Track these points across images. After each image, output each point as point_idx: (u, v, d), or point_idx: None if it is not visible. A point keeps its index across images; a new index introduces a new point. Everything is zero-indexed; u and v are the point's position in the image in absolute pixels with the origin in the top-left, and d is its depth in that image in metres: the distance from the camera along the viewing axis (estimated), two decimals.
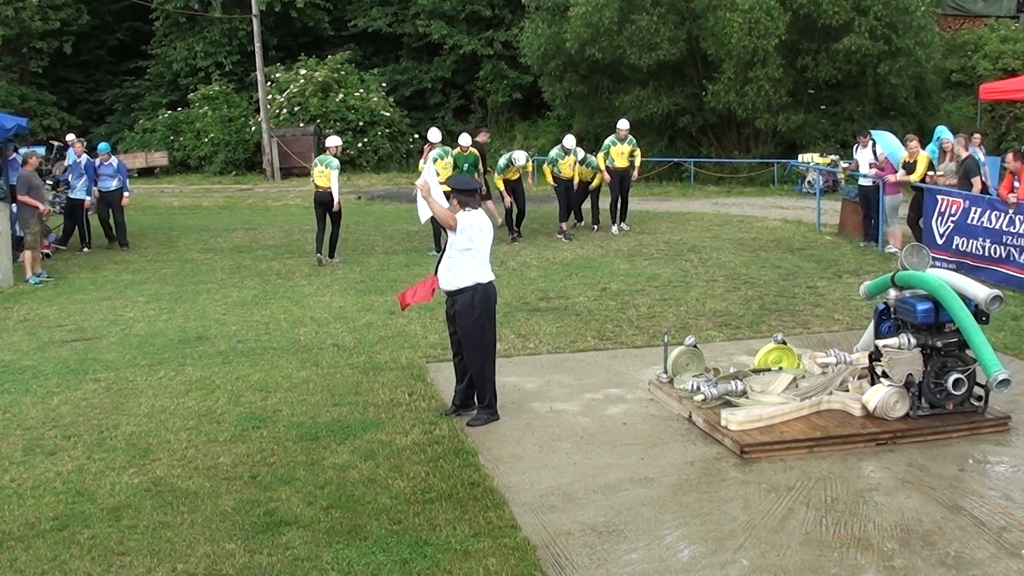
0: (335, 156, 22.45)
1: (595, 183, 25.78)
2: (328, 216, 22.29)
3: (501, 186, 24.63)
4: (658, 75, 39.56)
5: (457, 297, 10.86)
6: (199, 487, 9.31)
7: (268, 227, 28.03)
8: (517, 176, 24.63)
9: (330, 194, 22.01)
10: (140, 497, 9.11)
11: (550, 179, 25.33)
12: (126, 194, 25.57)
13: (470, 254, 10.75)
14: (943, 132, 22.00)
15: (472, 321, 10.81)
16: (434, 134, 24.30)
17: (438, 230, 23.05)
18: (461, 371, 11.31)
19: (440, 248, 23.45)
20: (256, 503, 8.89)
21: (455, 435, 10.61)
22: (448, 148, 23.95)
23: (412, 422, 11.04)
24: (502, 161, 24.69)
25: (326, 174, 22.08)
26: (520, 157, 24.55)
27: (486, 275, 10.90)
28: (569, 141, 25.40)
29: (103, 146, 25.96)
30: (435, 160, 22.30)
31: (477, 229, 10.76)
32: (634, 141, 26.04)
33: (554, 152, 25.46)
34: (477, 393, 11.19)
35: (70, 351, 14.60)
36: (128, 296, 18.69)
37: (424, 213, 11.37)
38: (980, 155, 22.23)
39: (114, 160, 25.57)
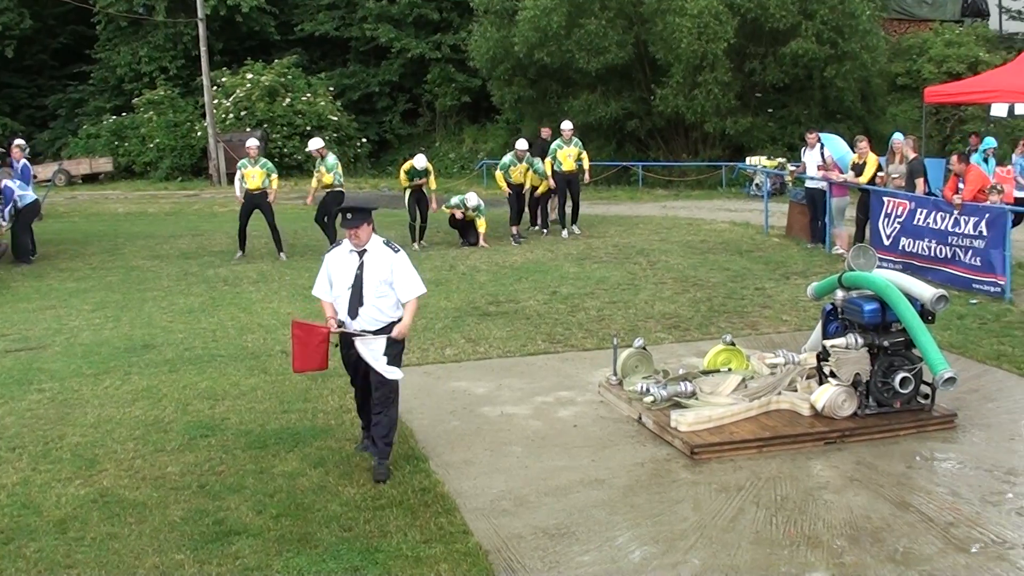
0: (254, 158, 23.27)
1: (541, 189, 25.74)
2: (262, 213, 23.13)
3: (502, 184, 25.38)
4: (606, 79, 39.59)
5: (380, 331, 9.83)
6: (147, 497, 9.24)
7: (215, 233, 27.83)
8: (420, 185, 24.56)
9: (264, 194, 23.01)
10: (87, 509, 9.03)
11: (503, 185, 25.25)
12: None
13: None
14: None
15: (396, 355, 9.94)
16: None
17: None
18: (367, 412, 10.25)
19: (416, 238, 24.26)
20: (205, 512, 8.84)
21: (405, 441, 10.57)
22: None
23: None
24: (454, 200, 24.71)
25: (260, 174, 22.91)
26: (472, 199, 24.59)
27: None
28: (521, 144, 25.48)
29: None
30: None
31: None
32: (579, 143, 26.03)
33: (506, 159, 25.42)
34: (379, 438, 9.92)
35: (13, 361, 14.43)
36: (73, 304, 18.51)
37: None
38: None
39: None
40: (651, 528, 8.37)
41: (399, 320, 9.85)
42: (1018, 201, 20.65)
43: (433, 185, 24.63)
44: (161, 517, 8.76)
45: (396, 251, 9.91)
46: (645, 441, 10.52)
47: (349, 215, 9.69)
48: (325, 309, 10.01)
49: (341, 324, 9.82)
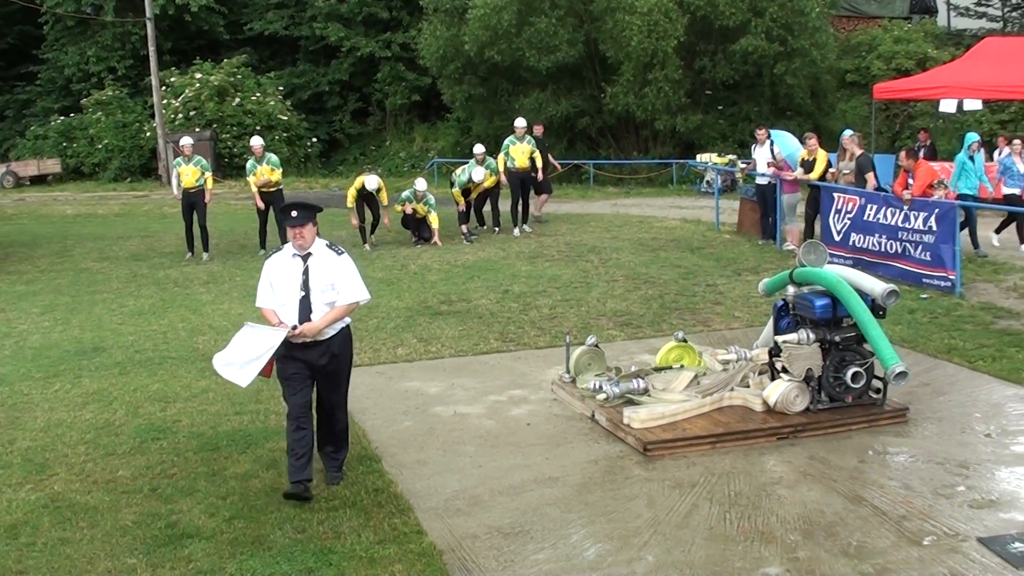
0: (188, 156, 23.47)
1: (489, 183, 25.70)
2: (195, 213, 23.30)
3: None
4: (557, 78, 39.63)
5: (332, 340, 9.42)
6: (98, 501, 9.16)
7: (165, 234, 27.71)
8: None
9: (200, 192, 23.20)
10: (38, 514, 8.95)
11: (461, 201, 25.18)
12: None
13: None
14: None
15: (348, 361, 9.72)
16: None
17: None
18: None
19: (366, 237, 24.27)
20: (157, 516, 8.78)
21: (358, 442, 10.53)
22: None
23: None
24: (404, 194, 24.71)
25: (195, 172, 23.14)
26: (420, 183, 24.62)
27: None
28: (478, 149, 25.74)
29: None
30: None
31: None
32: (532, 141, 26.09)
33: (464, 175, 25.22)
34: (340, 444, 9.81)
35: None
36: (21, 308, 18.37)
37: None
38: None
39: None
40: (605, 525, 8.37)
41: (346, 329, 9.54)
42: (1008, 199, 20.63)
43: (385, 201, 24.53)
44: (113, 521, 8.69)
45: (340, 254, 9.46)
46: (598, 438, 10.52)
47: (294, 213, 9.20)
48: (269, 318, 9.37)
49: (295, 328, 9.21)
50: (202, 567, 7.79)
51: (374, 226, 24.69)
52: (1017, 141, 21.91)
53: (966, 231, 19.81)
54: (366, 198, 24.27)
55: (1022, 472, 9.31)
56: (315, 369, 9.37)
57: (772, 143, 22.59)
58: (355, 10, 49.87)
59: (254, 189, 23.60)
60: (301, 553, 7.98)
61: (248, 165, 23.98)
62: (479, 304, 17.26)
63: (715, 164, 33.65)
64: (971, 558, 7.59)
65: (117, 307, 18.12)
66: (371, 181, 23.97)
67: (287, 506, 8.89)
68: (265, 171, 23.46)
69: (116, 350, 14.91)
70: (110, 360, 14.33)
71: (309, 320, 9.17)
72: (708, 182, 35.12)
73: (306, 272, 9.24)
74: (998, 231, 21.19)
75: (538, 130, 27.51)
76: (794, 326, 11.01)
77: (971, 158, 21.00)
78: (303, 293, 9.21)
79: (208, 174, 23.31)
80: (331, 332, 9.34)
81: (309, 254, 9.28)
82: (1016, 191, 20.75)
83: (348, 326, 9.56)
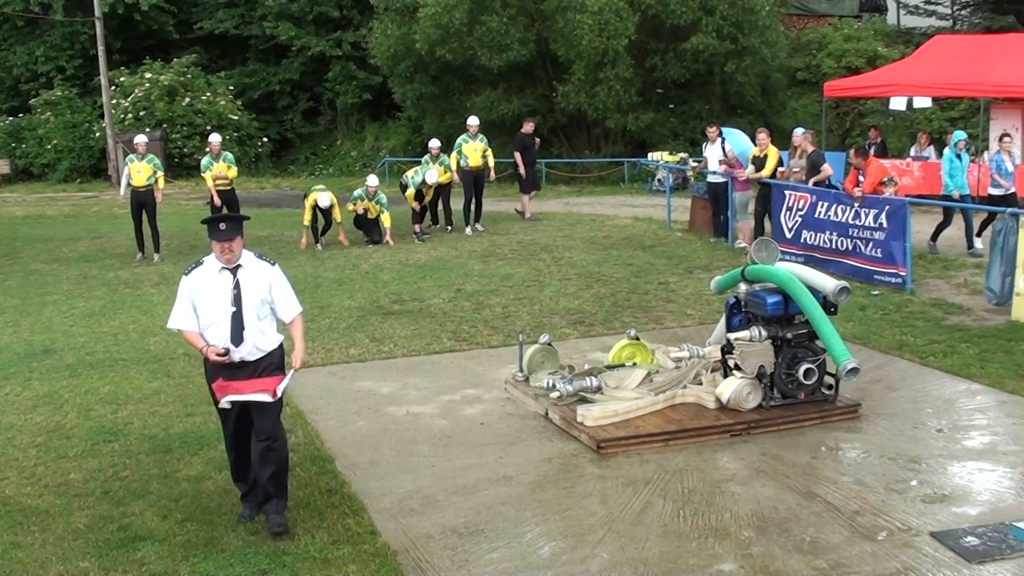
0: (142, 154, 23.35)
1: (444, 179, 25.69)
2: (145, 213, 23.20)
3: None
4: (509, 76, 39.61)
5: (264, 361, 8.65)
6: (50, 505, 9.09)
7: (115, 235, 27.51)
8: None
9: (150, 191, 23.11)
10: None
11: (415, 204, 25.11)
12: None
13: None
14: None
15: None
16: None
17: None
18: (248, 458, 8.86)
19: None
20: (109, 519, 8.72)
21: (311, 442, 10.52)
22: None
23: None
24: (356, 192, 24.67)
25: (147, 170, 23.02)
26: (372, 179, 24.61)
27: None
28: (434, 143, 25.90)
29: None
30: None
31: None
32: (485, 139, 26.13)
33: (416, 177, 25.15)
34: (279, 487, 8.68)
35: None
36: None
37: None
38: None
39: None
40: (560, 523, 8.37)
41: (280, 346, 8.82)
42: (992, 199, 20.61)
43: (338, 218, 24.43)
44: (65, 524, 8.63)
45: (272, 264, 8.76)
46: (552, 437, 10.53)
47: (222, 226, 8.40)
48: (193, 342, 8.60)
49: (226, 352, 8.47)
50: (155, 570, 7.75)
51: (326, 229, 24.59)
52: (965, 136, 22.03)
53: (962, 230, 20.09)
54: (321, 212, 24.23)
55: (974, 467, 9.40)
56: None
57: (724, 141, 22.67)
58: (305, 9, 49.61)
59: (210, 184, 23.64)
60: (255, 555, 7.95)
61: (204, 162, 24.05)
62: (432, 303, 17.23)
63: (666, 162, 33.74)
64: (924, 552, 7.65)
65: (67, 309, 17.99)
66: (323, 199, 23.90)
67: (240, 508, 8.84)
68: (222, 168, 23.64)
69: (67, 352, 14.80)
70: (61, 362, 14.21)
71: (241, 338, 8.46)
72: (660, 180, 35.19)
73: (237, 286, 8.49)
74: (979, 233, 21.15)
75: (528, 127, 27.38)
76: (746, 323, 11.06)
77: (958, 156, 21.03)
78: (234, 309, 8.46)
79: (160, 173, 23.21)
80: (260, 352, 8.59)
81: (239, 266, 8.53)
82: (999, 192, 20.64)
83: (281, 344, 8.83)
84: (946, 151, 21.93)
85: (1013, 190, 20.66)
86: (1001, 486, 8.96)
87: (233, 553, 7.99)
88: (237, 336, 8.47)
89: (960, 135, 21.97)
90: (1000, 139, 21.71)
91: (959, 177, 21.20)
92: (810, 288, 10.66)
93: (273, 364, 8.71)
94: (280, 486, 8.59)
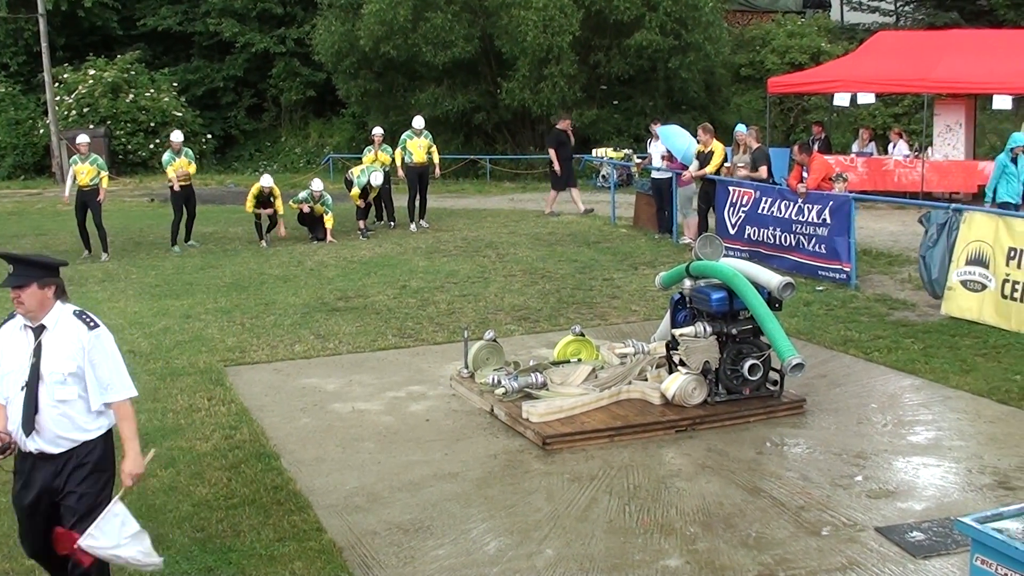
0: (85, 154, 23.23)
1: (384, 161, 25.80)
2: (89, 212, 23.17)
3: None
4: (453, 73, 39.56)
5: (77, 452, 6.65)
6: None
7: (59, 232, 27.24)
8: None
9: (95, 191, 23.01)
10: None
11: (360, 203, 25.01)
12: None
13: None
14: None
15: (102, 484, 6.86)
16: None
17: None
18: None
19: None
20: None
21: (256, 439, 10.45)
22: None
23: (212, 427, 10.85)
24: (302, 194, 24.62)
25: (91, 171, 22.92)
26: (316, 184, 24.58)
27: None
28: (377, 131, 26.62)
29: None
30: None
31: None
32: (430, 136, 26.16)
33: (362, 177, 25.06)
34: None
35: None
36: None
37: None
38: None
39: None
40: (505, 520, 8.36)
41: (102, 439, 6.79)
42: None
43: (281, 210, 24.35)
44: (10, 523, 8.50)
45: (93, 327, 6.69)
46: (498, 433, 10.52)
47: (11, 269, 6.67)
48: None
49: (7, 448, 6.57)
50: None
51: (271, 227, 24.47)
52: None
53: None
54: (263, 204, 24.11)
55: (918, 462, 9.44)
56: (52, 494, 6.68)
57: (652, 143, 22.89)
58: (249, 6, 49.36)
59: (172, 176, 23.62)
60: (200, 552, 7.90)
61: (165, 158, 24.22)
62: (376, 300, 17.18)
63: (611, 159, 33.77)
64: (869, 547, 7.68)
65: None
66: (265, 179, 24.01)
67: (186, 505, 8.80)
68: (183, 164, 23.68)
69: None
70: None
71: (32, 424, 6.50)
72: (604, 176, 35.23)
73: (37, 351, 6.58)
74: None
75: (565, 124, 27.25)
76: (691, 319, 11.09)
77: (1014, 160, 19.97)
78: (26, 380, 6.54)
79: (104, 173, 23.09)
80: (67, 444, 6.60)
81: (43, 327, 6.64)
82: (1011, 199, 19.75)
83: (105, 437, 6.81)
84: (1000, 156, 20.58)
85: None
86: (946, 481, 9.01)
87: (179, 551, 7.93)
88: (28, 420, 6.52)
89: (1019, 139, 20.43)
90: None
91: (1011, 184, 19.94)
92: (755, 284, 10.69)
93: (87, 466, 6.68)
94: None
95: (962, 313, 14.60)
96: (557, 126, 27.45)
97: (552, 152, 26.69)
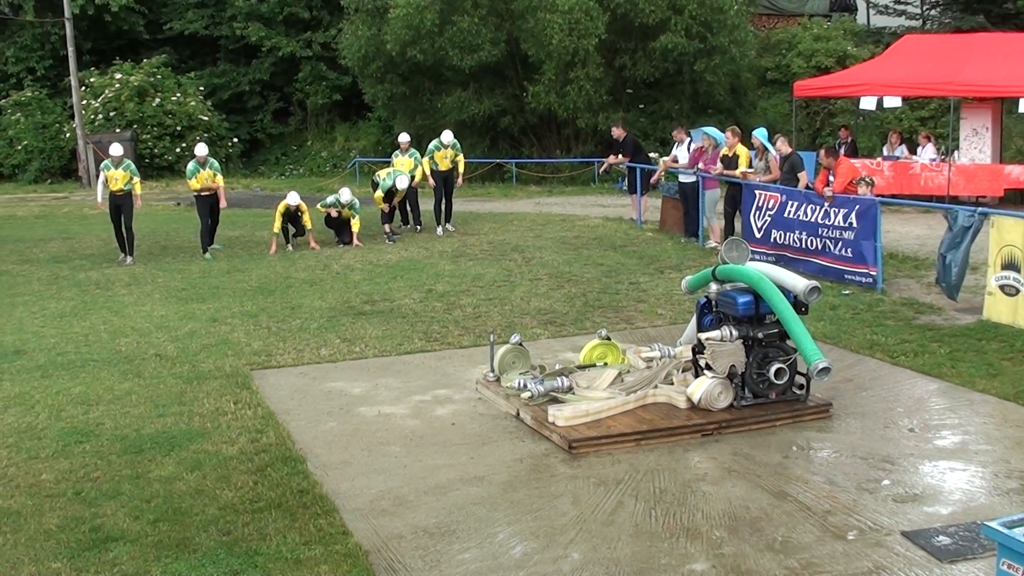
0: (117, 160, 23.30)
1: (415, 173, 25.79)
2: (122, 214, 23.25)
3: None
4: (479, 77, 39.58)
5: None
6: (21, 506, 9.04)
7: (86, 236, 27.40)
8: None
9: (128, 195, 23.11)
10: None
11: (384, 206, 25.07)
12: None
13: None
14: None
15: None
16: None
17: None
18: None
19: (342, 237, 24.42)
20: (81, 520, 8.67)
21: (282, 443, 10.48)
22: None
23: (238, 431, 10.88)
24: (329, 199, 24.77)
25: (123, 177, 23.03)
26: (345, 194, 24.64)
27: None
28: (403, 138, 26.76)
29: None
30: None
31: None
32: (458, 146, 26.24)
33: (387, 180, 25.11)
34: None
35: None
36: None
37: None
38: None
39: None
40: (531, 523, 8.38)
41: None
42: None
43: (309, 225, 24.41)
44: (37, 525, 8.59)
45: None
46: (523, 437, 10.53)
47: None
48: None
49: None
50: (127, 570, 7.72)
51: (297, 233, 24.52)
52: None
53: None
54: (291, 218, 24.20)
55: (945, 466, 9.43)
56: None
57: (692, 143, 22.79)
58: (275, 9, 49.52)
59: (196, 187, 23.72)
60: (227, 555, 7.93)
61: (190, 168, 24.03)
62: (403, 304, 17.22)
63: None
64: (895, 552, 7.68)
65: (38, 309, 17.90)
66: (292, 196, 24.04)
67: (212, 508, 8.83)
68: (208, 176, 23.67)
69: (38, 353, 14.72)
70: (31, 363, 14.14)
71: None
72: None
73: None
74: None
75: (618, 132, 27.05)
76: (717, 323, 11.08)
77: None
78: None
79: (136, 179, 23.17)
80: None
81: None
82: None
83: None
84: None
85: None
86: (972, 485, 8.99)
87: (205, 554, 7.97)
88: None
89: None
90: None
91: None
92: (781, 288, 10.68)
93: None
94: None
95: (1000, 317, 14.58)
96: (618, 136, 26.92)
97: (625, 160, 26.45)
